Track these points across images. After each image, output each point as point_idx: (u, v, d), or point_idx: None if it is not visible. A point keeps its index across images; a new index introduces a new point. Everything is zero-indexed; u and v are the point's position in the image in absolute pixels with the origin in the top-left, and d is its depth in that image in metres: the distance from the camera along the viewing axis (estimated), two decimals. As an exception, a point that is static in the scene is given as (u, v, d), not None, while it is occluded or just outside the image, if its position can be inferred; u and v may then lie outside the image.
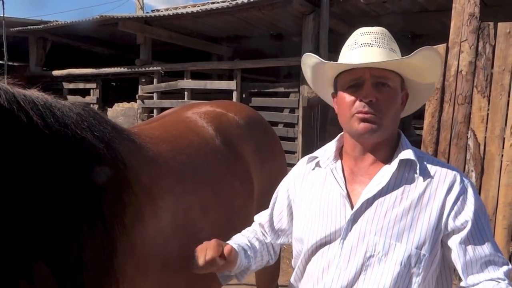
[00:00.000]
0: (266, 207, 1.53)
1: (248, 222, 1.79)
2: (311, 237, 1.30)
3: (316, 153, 1.41)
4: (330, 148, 1.39)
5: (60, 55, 10.00)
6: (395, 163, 1.25)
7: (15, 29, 8.73)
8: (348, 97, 1.25)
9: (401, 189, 1.23)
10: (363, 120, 1.22)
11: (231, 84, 7.16)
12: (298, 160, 6.51)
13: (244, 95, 7.16)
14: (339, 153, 1.37)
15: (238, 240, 1.46)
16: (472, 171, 3.95)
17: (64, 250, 1.12)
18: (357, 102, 1.22)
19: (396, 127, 1.31)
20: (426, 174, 1.24)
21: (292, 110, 6.77)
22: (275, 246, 1.54)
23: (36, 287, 1.07)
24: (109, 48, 10.26)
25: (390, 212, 1.20)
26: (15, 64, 9.58)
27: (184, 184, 1.58)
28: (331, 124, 6.52)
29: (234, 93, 7.08)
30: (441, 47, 3.84)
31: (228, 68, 7.65)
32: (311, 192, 1.37)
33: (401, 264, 1.17)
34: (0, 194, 1.02)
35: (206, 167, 1.73)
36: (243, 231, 1.54)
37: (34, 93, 1.22)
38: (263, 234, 1.53)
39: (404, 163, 1.25)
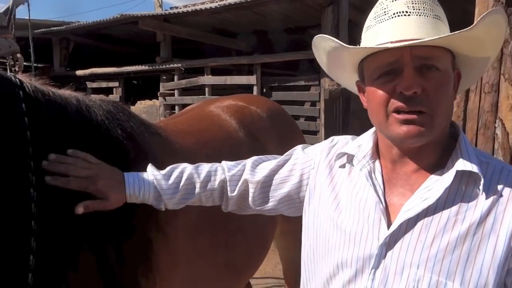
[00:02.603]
0: None
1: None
2: (336, 251, 1.01)
3: (347, 148, 1.10)
4: (365, 143, 1.08)
5: (83, 55, 10.19)
6: (449, 175, 0.92)
7: (39, 31, 8.94)
8: (380, 90, 0.93)
9: (455, 208, 0.91)
10: (406, 121, 0.90)
11: (251, 79, 7.17)
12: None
13: (264, 90, 7.16)
14: (377, 150, 1.06)
15: (161, 180, 1.20)
16: (500, 161, 3.88)
17: (105, 242, 1.16)
18: (395, 96, 0.91)
19: (448, 123, 0.98)
20: (491, 190, 0.91)
21: (313, 103, 6.73)
22: (240, 203, 1.27)
23: (80, 276, 1.11)
24: (130, 46, 10.41)
25: (439, 239, 0.89)
26: (40, 65, 9.81)
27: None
28: (353, 117, 6.46)
29: (254, 88, 7.08)
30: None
31: (247, 63, 7.66)
32: (337, 193, 1.08)
33: None
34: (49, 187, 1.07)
35: (231, 160, 1.75)
36: (200, 169, 1.26)
37: (66, 92, 1.26)
38: (233, 185, 1.25)
39: (462, 174, 0.92)
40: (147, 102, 8.59)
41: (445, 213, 0.91)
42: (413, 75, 0.89)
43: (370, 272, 0.94)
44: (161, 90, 8.27)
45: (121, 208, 1.17)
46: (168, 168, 1.24)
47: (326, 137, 5.39)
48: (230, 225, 1.60)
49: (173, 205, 1.23)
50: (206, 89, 7.63)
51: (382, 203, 0.97)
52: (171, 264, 1.38)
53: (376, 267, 0.94)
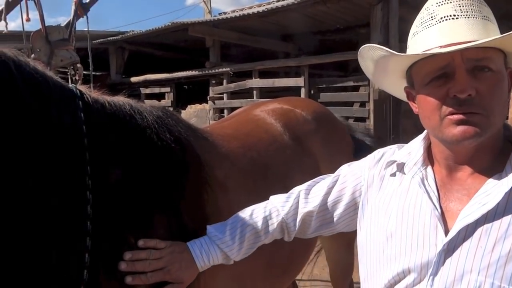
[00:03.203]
0: None
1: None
2: (390, 264, 1.00)
3: (396, 156, 1.09)
4: (415, 150, 1.07)
5: (137, 62, 10.64)
6: (510, 178, 0.89)
7: (97, 41, 9.45)
8: (433, 95, 0.92)
9: None
10: (461, 122, 0.89)
11: (298, 81, 7.17)
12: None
13: (312, 91, 7.14)
14: (428, 156, 1.05)
15: (226, 240, 1.24)
16: None
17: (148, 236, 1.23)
18: (448, 100, 0.90)
19: (502, 123, 0.96)
20: None
21: (363, 104, 6.62)
22: (300, 233, 1.29)
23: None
24: (180, 53, 10.74)
25: (500, 245, 0.87)
26: (97, 73, 10.36)
27: (255, 179, 1.65)
28: (404, 117, 6.28)
29: (302, 90, 7.08)
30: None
31: (295, 65, 7.67)
32: (389, 203, 1.06)
33: None
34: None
35: (275, 163, 1.78)
36: (259, 216, 1.28)
37: (120, 99, 1.35)
38: (291, 225, 1.27)
39: None
40: (197, 106, 8.82)
41: (506, 218, 0.88)
42: (466, 77, 0.88)
43: (429, 279, 0.93)
44: (211, 94, 8.47)
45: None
46: (228, 226, 1.27)
47: (376, 138, 5.26)
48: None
49: (241, 257, 1.29)
50: (254, 92, 7.72)
51: (437, 210, 0.95)
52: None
53: (434, 274, 0.92)
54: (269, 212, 1.29)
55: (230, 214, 1.47)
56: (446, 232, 0.93)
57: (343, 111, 6.69)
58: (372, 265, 1.07)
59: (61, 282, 1.06)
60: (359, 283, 1.16)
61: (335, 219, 1.23)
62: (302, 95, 7.00)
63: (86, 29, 5.23)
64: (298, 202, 1.28)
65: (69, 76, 4.52)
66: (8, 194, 0.98)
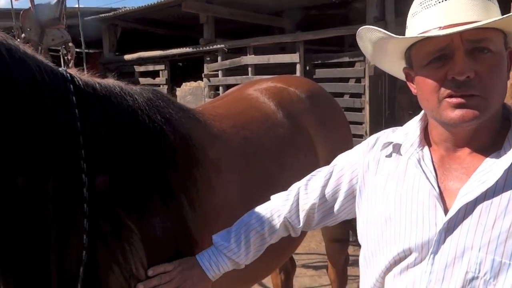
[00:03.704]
0: None
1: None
2: (389, 246, 1.02)
3: (393, 137, 1.10)
4: (412, 130, 1.07)
5: (130, 40, 10.48)
6: (508, 156, 0.90)
7: (89, 18, 9.28)
8: (431, 76, 0.92)
9: None
10: (459, 105, 0.89)
11: (294, 57, 7.09)
12: (366, 131, 6.31)
13: (307, 67, 7.07)
14: (424, 137, 1.06)
15: (234, 249, 1.27)
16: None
17: (144, 217, 1.25)
18: (447, 82, 0.90)
19: (502, 103, 0.95)
20: None
21: (358, 80, 6.57)
22: (305, 227, 1.32)
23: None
24: (174, 29, 10.58)
25: (500, 221, 0.88)
26: (90, 51, 10.21)
27: (248, 158, 1.66)
28: (400, 92, 6.26)
29: (298, 66, 7.01)
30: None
31: (290, 41, 7.58)
32: (386, 185, 1.07)
33: None
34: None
35: (268, 141, 1.79)
36: (264, 218, 1.31)
37: (110, 81, 1.34)
38: (295, 222, 1.30)
39: None
40: (192, 84, 8.75)
41: (506, 195, 0.89)
42: (465, 59, 0.88)
43: (429, 258, 0.94)
44: (205, 71, 8.38)
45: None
46: (232, 234, 1.30)
47: (371, 114, 5.26)
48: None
49: (250, 260, 1.32)
50: (249, 68, 7.64)
51: (435, 189, 0.96)
52: (209, 239, 1.45)
53: (435, 252, 0.94)
54: (271, 213, 1.31)
55: (224, 194, 1.48)
56: (445, 211, 0.94)
57: (338, 87, 6.65)
58: (372, 248, 1.08)
59: (61, 263, 1.08)
60: (354, 255, 1.18)
61: (336, 209, 1.25)
62: (298, 71, 6.95)
63: (77, 6, 5.12)
64: (298, 198, 1.30)
65: (61, 56, 4.45)
66: (5, 177, 0.98)
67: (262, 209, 1.33)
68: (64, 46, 4.36)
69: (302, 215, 1.29)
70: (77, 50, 5.25)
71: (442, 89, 0.91)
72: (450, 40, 0.88)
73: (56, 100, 1.10)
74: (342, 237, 2.62)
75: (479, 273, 0.89)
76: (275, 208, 1.32)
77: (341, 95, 6.61)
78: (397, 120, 6.11)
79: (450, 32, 0.86)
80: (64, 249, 1.08)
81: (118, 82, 1.38)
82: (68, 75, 1.18)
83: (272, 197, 1.37)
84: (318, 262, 3.63)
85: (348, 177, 1.21)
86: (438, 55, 0.91)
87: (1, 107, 0.97)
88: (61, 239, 1.07)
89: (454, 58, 0.89)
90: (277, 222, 1.30)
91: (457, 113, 0.90)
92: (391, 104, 6.27)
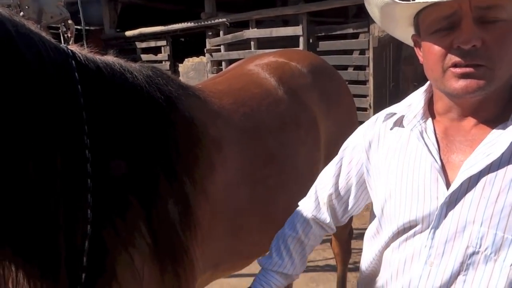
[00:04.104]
0: (335, 154, 1.31)
1: (315, 169, 1.83)
2: (391, 220, 1.01)
3: (395, 108, 1.07)
4: (416, 102, 1.04)
5: (130, 15, 10.35)
6: None
7: (88, -7, 9.14)
8: (437, 45, 0.89)
9: None
10: (464, 75, 0.86)
11: (297, 30, 6.98)
12: (370, 104, 6.25)
13: (311, 40, 6.97)
14: (429, 108, 1.03)
15: (278, 261, 1.26)
16: None
17: (148, 195, 1.25)
18: (452, 50, 0.87)
19: (510, 74, 0.91)
20: None
21: (362, 52, 6.47)
22: (336, 218, 1.28)
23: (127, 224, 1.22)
24: (175, 4, 10.41)
25: (504, 195, 0.86)
26: (91, 28, 10.10)
27: (248, 134, 1.65)
28: (405, 63, 6.17)
29: (301, 39, 6.91)
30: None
31: (293, 13, 7.44)
32: (387, 159, 1.06)
33: None
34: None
35: (269, 118, 1.77)
36: (297, 223, 1.29)
37: (109, 58, 1.32)
38: (324, 217, 1.27)
39: None
40: (195, 59, 8.67)
41: (511, 169, 0.86)
42: (472, 27, 0.84)
43: (430, 232, 0.93)
44: (208, 46, 8.29)
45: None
46: (272, 250, 1.29)
47: (375, 86, 5.20)
48: (269, 180, 1.65)
49: (300, 269, 1.28)
50: (252, 43, 7.54)
51: (437, 162, 0.94)
52: (211, 216, 1.47)
53: (436, 226, 0.92)
54: (300, 216, 1.30)
55: (224, 171, 1.48)
56: (448, 184, 0.92)
57: (342, 59, 6.57)
58: (377, 223, 1.08)
59: (68, 237, 1.09)
60: (357, 229, 1.17)
61: (353, 195, 1.22)
62: (301, 44, 6.85)
63: (75, -18, 5.02)
64: (317, 193, 1.28)
65: (61, 33, 4.41)
66: (10, 151, 0.98)
67: (292, 217, 1.33)
68: (63, 24, 4.31)
69: (324, 208, 1.26)
70: (77, 27, 5.19)
71: (447, 58, 0.88)
72: (458, 6, 0.84)
73: (60, 76, 1.10)
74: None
75: (480, 247, 0.87)
76: (302, 211, 1.31)
77: (345, 68, 6.53)
78: (402, 92, 6.04)
79: None
80: (70, 223, 1.09)
81: (117, 58, 1.36)
82: (69, 51, 1.18)
83: (299, 203, 1.35)
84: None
85: (355, 161, 1.18)
86: (445, 23, 0.87)
87: (10, 81, 0.97)
88: (68, 213, 1.08)
89: (461, 26, 0.85)
90: (308, 222, 1.28)
91: (461, 83, 0.86)
92: (396, 76, 6.19)
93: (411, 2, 0.92)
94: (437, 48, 0.89)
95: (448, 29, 0.87)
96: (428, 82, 1.05)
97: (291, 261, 1.26)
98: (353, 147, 1.20)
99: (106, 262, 1.15)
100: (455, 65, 0.87)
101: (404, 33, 1.09)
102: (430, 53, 0.92)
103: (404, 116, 1.04)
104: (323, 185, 1.27)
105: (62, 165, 1.06)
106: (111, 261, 1.16)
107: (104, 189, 1.15)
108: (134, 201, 1.21)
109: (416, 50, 1.03)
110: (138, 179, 1.23)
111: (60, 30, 4.37)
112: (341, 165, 1.22)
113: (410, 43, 1.09)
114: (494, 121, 0.91)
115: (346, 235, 2.76)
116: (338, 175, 1.22)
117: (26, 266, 1.02)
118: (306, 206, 1.30)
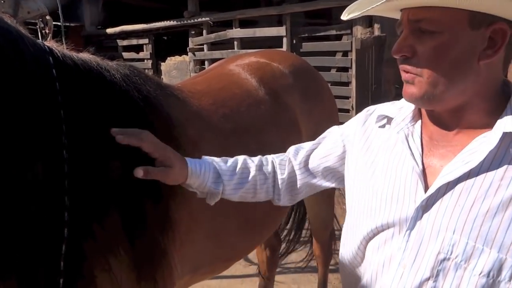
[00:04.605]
0: None
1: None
2: (371, 218, 1.02)
3: (387, 111, 1.08)
4: (407, 104, 1.04)
5: (112, 12, 10.20)
6: (495, 136, 0.87)
7: (69, -11, 8.97)
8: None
9: (500, 173, 0.86)
10: (406, 81, 0.93)
11: (280, 30, 6.99)
12: (352, 105, 6.28)
13: (294, 41, 6.98)
14: (420, 111, 1.03)
15: (220, 162, 1.22)
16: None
17: (127, 200, 1.21)
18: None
19: (462, 88, 0.89)
20: None
21: (345, 54, 6.52)
22: (290, 187, 1.27)
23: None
24: (158, 1, 10.31)
25: (479, 204, 0.86)
26: (72, 24, 9.92)
27: (227, 135, 1.63)
28: (387, 66, 6.23)
29: (284, 39, 6.91)
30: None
31: (277, 14, 7.44)
32: (374, 156, 1.07)
33: (487, 276, 0.85)
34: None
35: (249, 118, 1.75)
36: (253, 158, 1.29)
37: (86, 56, 1.28)
38: (282, 168, 1.26)
39: (510, 137, 0.87)
40: (177, 58, 8.59)
41: (489, 177, 0.86)
42: (406, 38, 0.90)
43: (405, 234, 0.94)
44: (190, 45, 8.23)
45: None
46: (221, 158, 1.26)
47: (358, 88, 5.23)
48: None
49: (230, 190, 1.22)
50: (235, 42, 7.51)
51: (418, 166, 0.95)
52: (190, 219, 1.44)
53: (411, 228, 0.93)
54: (265, 157, 1.31)
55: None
56: (426, 188, 0.93)
57: (325, 61, 6.60)
58: (356, 218, 1.08)
59: (44, 240, 1.05)
60: (339, 230, 1.17)
61: (324, 171, 1.24)
62: (284, 45, 6.85)
63: (54, -23, 4.92)
64: (288, 154, 1.29)
65: (38, 29, 4.30)
66: None
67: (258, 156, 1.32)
68: (41, 19, 4.21)
69: (287, 165, 1.27)
70: (56, 23, 5.07)
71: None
72: (403, 17, 0.91)
73: (39, 73, 1.06)
74: (325, 213, 2.63)
75: (451, 254, 0.87)
76: (268, 156, 1.31)
77: (328, 69, 6.56)
78: (384, 94, 6.10)
79: (382, 2, 0.86)
80: (46, 225, 1.06)
81: (94, 56, 1.32)
82: (46, 47, 1.14)
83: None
84: (304, 237, 3.66)
85: (341, 142, 1.20)
86: (400, 30, 0.93)
87: None
88: (44, 214, 1.05)
89: (400, 35, 0.91)
90: (268, 163, 1.27)
91: (404, 88, 0.93)
92: (378, 78, 6.24)
93: (372, 6, 0.91)
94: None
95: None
96: None
97: (231, 172, 1.22)
98: (344, 132, 1.22)
99: (83, 267, 1.11)
100: (401, 70, 0.94)
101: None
102: None
103: (393, 118, 1.06)
104: (297, 152, 1.28)
105: (39, 164, 1.03)
106: (89, 267, 1.12)
107: (82, 192, 1.11)
108: (111, 204, 1.18)
109: None
110: (115, 182, 1.19)
111: (37, 26, 4.26)
112: (319, 143, 1.26)
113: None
114: (479, 129, 0.92)
115: (327, 237, 2.76)
116: (314, 149, 1.26)
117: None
118: (275, 156, 1.31)
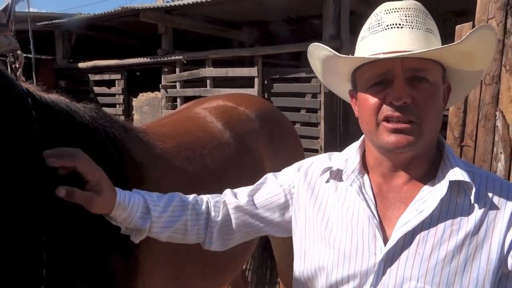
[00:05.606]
0: None
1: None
2: (330, 271, 1.00)
3: (333, 163, 1.08)
4: (352, 157, 1.07)
5: (85, 47, 10.23)
6: (443, 185, 0.93)
7: (41, 23, 8.98)
8: (372, 99, 0.95)
9: (450, 219, 0.92)
10: (395, 130, 0.92)
11: (252, 71, 7.17)
12: (321, 146, 6.38)
13: (265, 81, 7.16)
14: (363, 164, 1.06)
15: (152, 196, 1.13)
16: (501, 153, 3.82)
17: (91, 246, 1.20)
18: (385, 105, 0.93)
19: (437, 134, 0.99)
20: (481, 198, 0.93)
21: (315, 95, 6.72)
22: (224, 231, 1.18)
23: None
24: (132, 38, 10.42)
25: (437, 251, 0.91)
26: (43, 57, 9.86)
27: (189, 178, 1.64)
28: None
29: (256, 80, 7.09)
30: (467, 26, 3.70)
31: (249, 55, 7.65)
32: (324, 208, 1.07)
33: None
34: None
35: (212, 162, 1.78)
36: (188, 196, 1.20)
37: (55, 97, 1.30)
38: (217, 210, 1.18)
39: (453, 184, 0.94)
40: (149, 95, 8.64)
41: (441, 224, 0.92)
42: (403, 85, 0.91)
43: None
44: (163, 82, 8.30)
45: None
46: (155, 193, 1.17)
47: (326, 129, 5.33)
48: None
49: (158, 228, 1.12)
50: (208, 81, 7.64)
51: (375, 218, 0.97)
52: (153, 262, 1.43)
53: (375, 284, 0.94)
54: (201, 196, 1.22)
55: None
56: (385, 240, 0.95)
57: (295, 102, 6.78)
58: (309, 273, 1.06)
59: (25, 264, 1.05)
60: None
61: (263, 220, 1.18)
62: (256, 85, 7.02)
63: (27, 10, 4.95)
64: (225, 196, 1.22)
65: (8, 64, 4.27)
66: None
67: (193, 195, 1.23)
68: (12, 54, 4.20)
69: (221, 207, 1.18)
70: (26, 55, 5.05)
71: (380, 112, 0.93)
72: (392, 66, 0.92)
73: (20, 115, 1.08)
74: (291, 256, 2.63)
75: None
76: (204, 196, 1.23)
77: (298, 110, 6.74)
78: (351, 136, 6.27)
79: (390, 56, 0.90)
80: (26, 253, 1.06)
81: (62, 97, 1.34)
82: (24, 88, 1.15)
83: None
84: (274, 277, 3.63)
85: (282, 192, 1.16)
86: (380, 79, 0.94)
87: None
88: (22, 245, 1.05)
89: (394, 83, 0.92)
90: (203, 203, 1.19)
91: (393, 138, 0.92)
92: (345, 121, 6.44)
93: (350, 57, 0.98)
94: (372, 101, 0.95)
95: (383, 84, 0.94)
96: (362, 137, 1.09)
97: (163, 209, 1.12)
98: (283, 179, 1.18)
99: None
100: (387, 120, 0.93)
101: (342, 88, 1.14)
102: (365, 106, 0.97)
103: (341, 170, 1.06)
104: (235, 195, 1.20)
105: (19, 208, 1.03)
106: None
107: (58, 226, 1.11)
108: (76, 254, 1.17)
109: (352, 103, 1.08)
110: (83, 227, 1.18)
111: (8, 60, 4.24)
112: (259, 189, 1.19)
113: (346, 97, 1.14)
114: (424, 178, 0.97)
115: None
116: (253, 196, 1.18)
117: None
118: (210, 196, 1.22)
